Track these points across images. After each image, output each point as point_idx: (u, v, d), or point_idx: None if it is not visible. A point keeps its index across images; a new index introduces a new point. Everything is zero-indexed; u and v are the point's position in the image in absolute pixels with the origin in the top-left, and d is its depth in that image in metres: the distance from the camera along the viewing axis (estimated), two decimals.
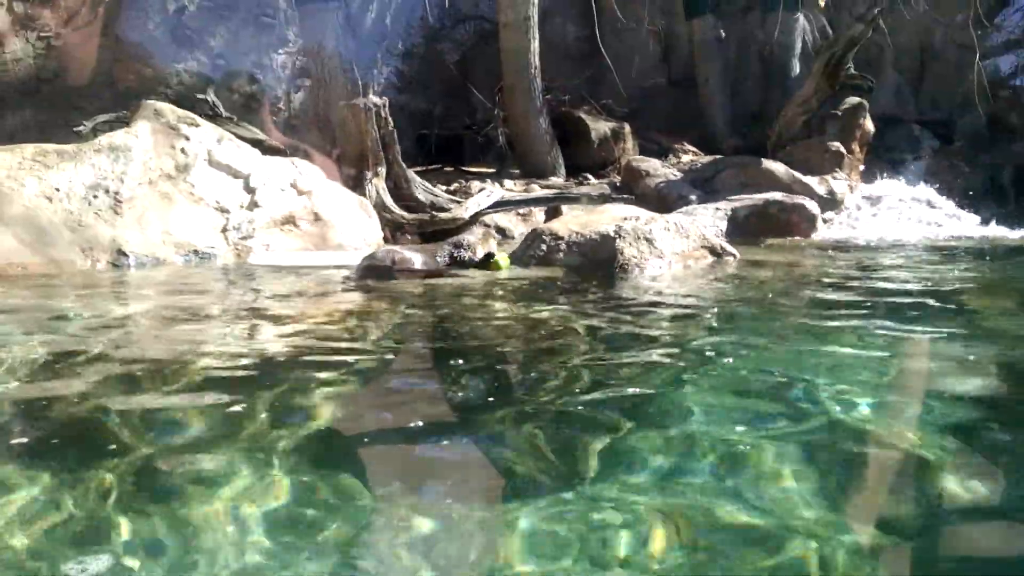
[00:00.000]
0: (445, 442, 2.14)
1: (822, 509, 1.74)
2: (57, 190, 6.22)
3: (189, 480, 1.89)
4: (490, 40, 11.66)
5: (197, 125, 7.16)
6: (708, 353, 3.05)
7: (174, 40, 9.74)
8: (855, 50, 10.62)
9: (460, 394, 2.57)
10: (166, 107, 7.24)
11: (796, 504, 1.76)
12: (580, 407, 2.41)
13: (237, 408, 2.37)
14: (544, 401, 2.44)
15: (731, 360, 2.93)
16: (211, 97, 8.72)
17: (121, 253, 6.11)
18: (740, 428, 2.17)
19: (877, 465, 2.01)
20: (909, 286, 5.06)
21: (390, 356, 3.12)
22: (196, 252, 6.44)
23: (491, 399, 2.53)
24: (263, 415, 2.32)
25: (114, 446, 2.09)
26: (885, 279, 5.47)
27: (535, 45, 10.63)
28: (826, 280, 5.36)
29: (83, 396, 2.50)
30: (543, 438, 2.14)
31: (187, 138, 6.99)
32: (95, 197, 6.32)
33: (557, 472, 1.94)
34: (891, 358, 3.08)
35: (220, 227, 6.71)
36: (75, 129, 7.86)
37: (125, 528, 1.65)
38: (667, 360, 2.97)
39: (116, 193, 6.39)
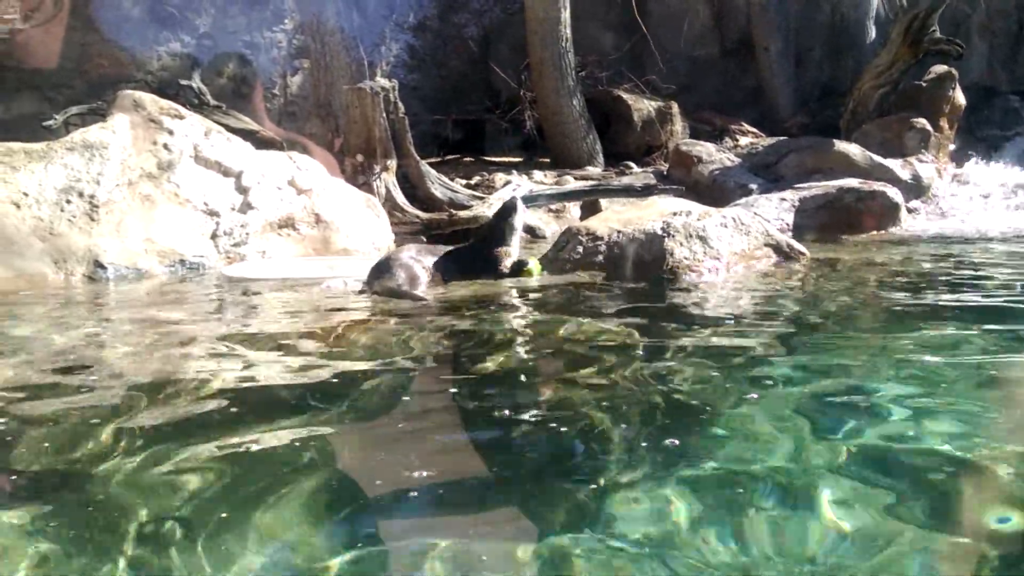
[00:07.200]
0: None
1: None
2: (25, 195, 6.30)
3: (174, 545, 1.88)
4: (514, 10, 11.67)
5: (181, 117, 7.23)
6: (787, 395, 2.99)
7: (153, 19, 9.87)
8: (940, 11, 10.46)
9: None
10: (146, 97, 7.31)
11: None
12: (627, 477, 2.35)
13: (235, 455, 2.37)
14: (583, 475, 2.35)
15: (812, 402, 2.87)
16: (197, 83, 8.82)
17: (98, 265, 6.18)
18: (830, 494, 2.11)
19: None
20: (1014, 291, 4.94)
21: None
22: (183, 262, 6.50)
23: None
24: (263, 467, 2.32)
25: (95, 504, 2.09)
26: (983, 281, 5.34)
27: (566, 15, 10.61)
28: (914, 284, 5.25)
29: (59, 440, 2.51)
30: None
31: (170, 132, 7.06)
32: (68, 202, 6.40)
33: None
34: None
35: (209, 232, 6.77)
36: (44, 124, 7.98)
37: None
38: (722, 404, 2.92)
39: (92, 197, 6.47)
